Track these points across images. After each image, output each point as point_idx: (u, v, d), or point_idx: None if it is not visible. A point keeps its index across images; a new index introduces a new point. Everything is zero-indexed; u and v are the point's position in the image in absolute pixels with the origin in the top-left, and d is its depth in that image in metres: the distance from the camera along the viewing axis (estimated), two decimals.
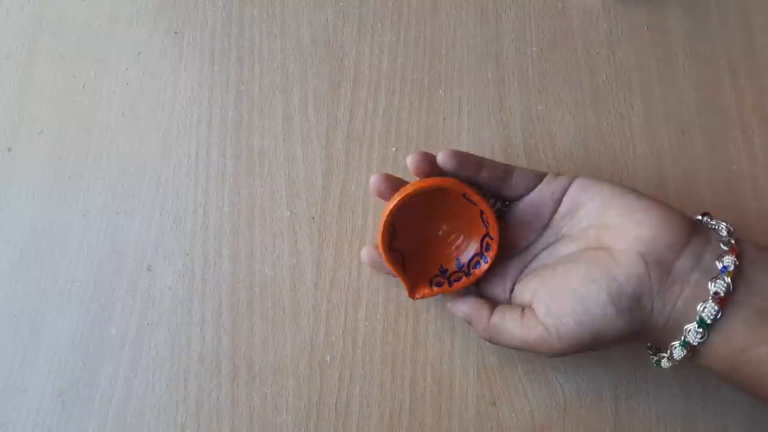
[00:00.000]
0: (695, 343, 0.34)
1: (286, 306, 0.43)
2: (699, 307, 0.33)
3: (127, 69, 0.48)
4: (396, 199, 0.37)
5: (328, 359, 0.42)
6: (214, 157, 0.46)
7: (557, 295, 0.36)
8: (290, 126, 0.46)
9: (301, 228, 0.45)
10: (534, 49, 0.48)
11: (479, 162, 0.38)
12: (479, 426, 0.41)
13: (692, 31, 0.48)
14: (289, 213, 0.45)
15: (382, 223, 0.38)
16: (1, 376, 0.42)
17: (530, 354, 0.42)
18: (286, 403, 0.42)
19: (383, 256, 0.39)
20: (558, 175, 0.39)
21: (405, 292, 0.42)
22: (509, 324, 0.37)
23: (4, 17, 0.49)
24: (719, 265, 0.34)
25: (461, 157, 0.38)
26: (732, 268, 0.33)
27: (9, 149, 0.46)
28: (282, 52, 0.48)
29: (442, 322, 0.43)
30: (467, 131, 0.46)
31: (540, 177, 0.39)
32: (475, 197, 0.37)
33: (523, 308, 0.37)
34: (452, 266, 0.40)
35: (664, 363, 0.36)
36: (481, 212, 0.38)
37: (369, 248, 0.42)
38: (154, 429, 0.41)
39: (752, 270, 0.34)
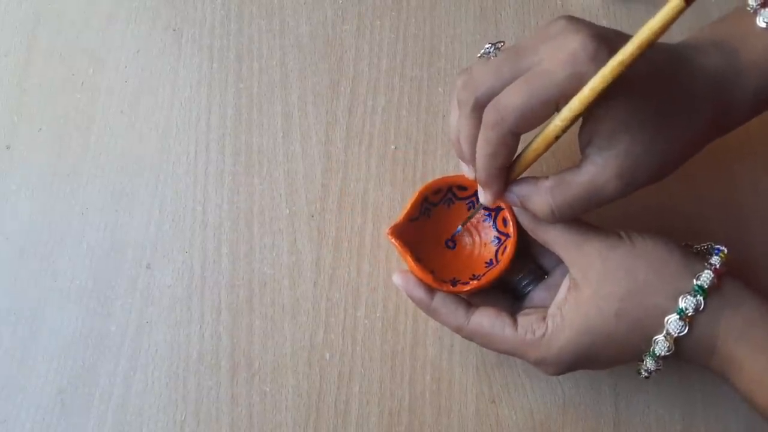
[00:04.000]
0: (663, 354, 0.34)
1: (285, 304, 0.43)
2: (666, 320, 0.34)
3: (126, 67, 0.48)
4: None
5: (328, 357, 0.42)
6: (213, 155, 0.46)
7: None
8: (289, 123, 0.46)
9: (301, 226, 0.44)
10: None
11: None
12: (479, 424, 0.41)
13: (692, 29, 0.48)
14: (288, 211, 0.45)
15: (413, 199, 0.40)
16: (0, 373, 0.42)
17: None
18: (285, 400, 0.42)
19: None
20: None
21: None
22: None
23: (3, 14, 0.49)
24: (694, 282, 0.34)
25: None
26: (707, 285, 0.34)
27: (8, 147, 0.46)
28: (281, 49, 0.48)
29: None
30: None
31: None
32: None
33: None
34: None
35: (643, 373, 0.37)
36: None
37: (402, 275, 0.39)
38: (154, 427, 0.41)
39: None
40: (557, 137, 0.32)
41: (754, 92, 0.35)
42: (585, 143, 0.33)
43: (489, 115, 0.32)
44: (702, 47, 0.35)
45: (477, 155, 0.34)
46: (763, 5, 0.35)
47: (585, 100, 0.30)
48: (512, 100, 0.31)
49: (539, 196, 0.34)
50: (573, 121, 0.31)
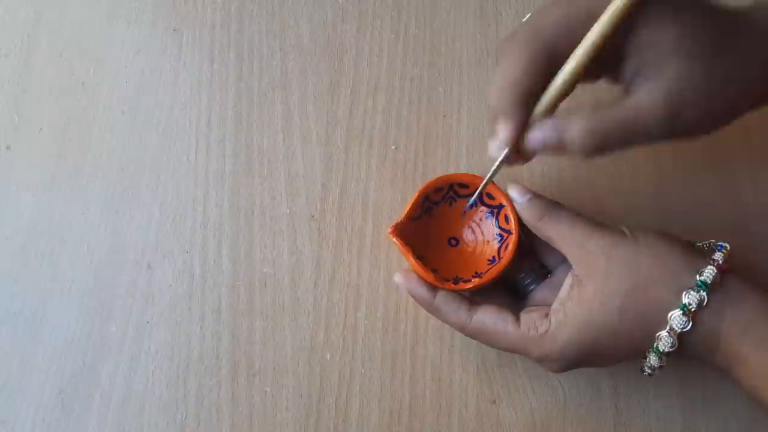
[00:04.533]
0: (666, 350, 0.34)
1: (285, 304, 0.43)
2: (669, 315, 0.34)
3: (126, 67, 0.48)
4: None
5: (328, 357, 0.42)
6: (213, 156, 0.46)
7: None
8: (289, 124, 0.46)
9: (301, 226, 0.44)
10: None
11: None
12: (479, 424, 0.41)
13: None
14: (288, 211, 0.45)
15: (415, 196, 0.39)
16: (0, 374, 0.42)
17: None
18: (285, 401, 0.42)
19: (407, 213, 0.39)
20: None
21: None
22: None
23: (3, 14, 0.49)
24: (697, 278, 0.34)
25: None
26: (710, 281, 0.34)
27: (8, 147, 0.46)
28: (281, 49, 0.48)
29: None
30: (466, 129, 0.46)
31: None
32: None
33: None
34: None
35: (646, 370, 0.37)
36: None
37: (404, 274, 0.39)
38: (154, 427, 0.41)
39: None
40: (594, 51, 0.31)
41: None
42: (630, 75, 0.32)
43: (523, 29, 0.31)
44: (760, 6, 0.34)
45: (502, 77, 0.32)
46: None
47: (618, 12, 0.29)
48: (550, 12, 0.31)
49: (576, 122, 0.31)
50: (604, 38, 0.30)
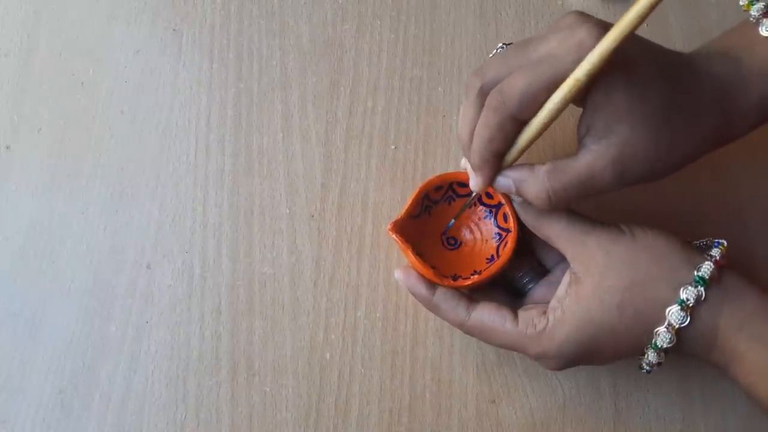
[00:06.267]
0: (665, 346, 0.34)
1: (285, 304, 0.43)
2: (667, 311, 0.34)
3: (126, 67, 0.48)
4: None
5: (328, 357, 0.42)
6: (213, 155, 0.46)
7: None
8: (289, 124, 0.46)
9: (301, 226, 0.44)
10: None
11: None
12: (479, 424, 0.41)
13: (691, 28, 0.48)
14: (288, 211, 0.45)
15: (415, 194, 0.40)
16: (0, 374, 0.42)
17: None
18: (285, 401, 0.42)
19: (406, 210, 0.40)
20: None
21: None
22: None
23: (3, 14, 0.49)
24: (695, 273, 0.34)
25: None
26: (708, 276, 0.34)
27: (8, 147, 0.46)
28: (281, 49, 0.48)
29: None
30: None
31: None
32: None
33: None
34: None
35: (645, 367, 0.36)
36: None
37: (403, 270, 0.39)
38: (154, 427, 0.41)
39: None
40: (552, 120, 0.33)
41: (759, 99, 0.35)
42: (583, 132, 0.34)
43: (492, 98, 0.33)
44: (708, 56, 0.36)
45: (474, 138, 0.35)
46: (765, 15, 0.35)
47: (581, 78, 0.31)
48: (516, 83, 0.32)
49: (535, 180, 0.34)
50: (566, 103, 0.32)
